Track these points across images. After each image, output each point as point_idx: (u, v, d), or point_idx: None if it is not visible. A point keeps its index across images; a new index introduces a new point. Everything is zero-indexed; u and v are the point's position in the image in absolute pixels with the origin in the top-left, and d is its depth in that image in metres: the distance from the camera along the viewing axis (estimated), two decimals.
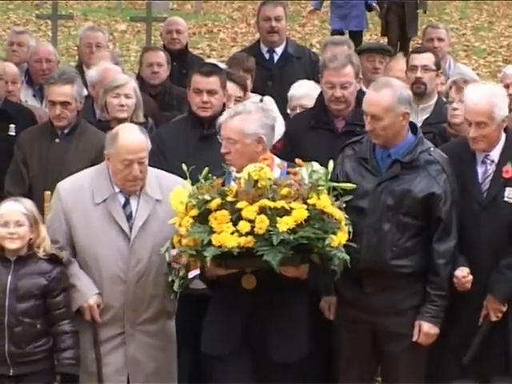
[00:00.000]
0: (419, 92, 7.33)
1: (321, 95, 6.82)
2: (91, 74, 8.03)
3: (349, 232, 4.54)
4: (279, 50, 9.38)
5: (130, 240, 4.95)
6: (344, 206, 4.63)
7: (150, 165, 6.12)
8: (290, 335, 4.79)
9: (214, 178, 4.63)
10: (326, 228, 4.38)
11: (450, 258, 4.94)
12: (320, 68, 7.10)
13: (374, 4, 16.01)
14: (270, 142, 4.96)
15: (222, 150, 4.86)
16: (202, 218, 4.42)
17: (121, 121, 6.99)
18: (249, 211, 4.33)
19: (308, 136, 6.74)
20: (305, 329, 4.91)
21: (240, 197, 4.42)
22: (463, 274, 4.84)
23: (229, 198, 4.44)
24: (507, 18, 22.01)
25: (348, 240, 4.52)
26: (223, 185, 4.62)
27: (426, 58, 7.55)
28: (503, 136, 5.01)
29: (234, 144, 4.81)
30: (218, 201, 4.40)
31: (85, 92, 7.41)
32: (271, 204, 4.33)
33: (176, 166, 5.98)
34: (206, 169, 4.65)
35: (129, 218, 5.01)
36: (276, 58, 9.40)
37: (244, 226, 4.28)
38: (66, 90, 6.90)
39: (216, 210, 4.41)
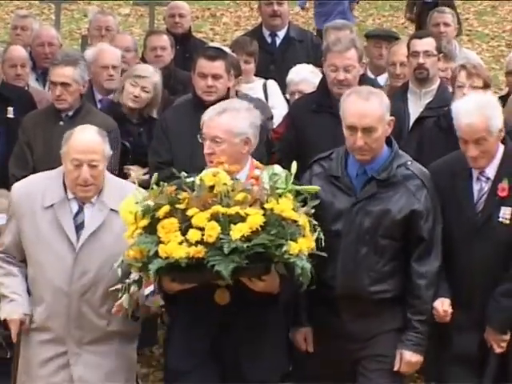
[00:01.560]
0: (422, 77, 7.28)
1: (323, 79, 6.87)
2: (87, 53, 8.02)
3: (319, 239, 4.27)
4: (281, 34, 9.42)
5: (76, 250, 4.68)
6: (313, 211, 4.35)
7: (155, 148, 6.84)
8: (265, 352, 4.55)
9: (165, 184, 4.34)
10: (285, 234, 4.08)
11: (433, 279, 4.68)
12: (323, 51, 7.14)
13: None
14: (254, 144, 4.69)
15: (206, 151, 4.55)
16: (152, 228, 4.17)
17: (130, 109, 7.29)
18: (199, 218, 4.05)
19: (310, 119, 6.77)
20: (281, 344, 4.72)
21: (191, 203, 4.16)
22: (444, 307, 4.66)
23: (179, 206, 4.19)
24: (511, 2, 21.95)
25: (318, 248, 4.25)
26: (176, 192, 4.33)
27: (428, 44, 7.44)
28: (501, 149, 4.80)
29: (221, 144, 4.52)
30: (166, 208, 4.14)
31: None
32: (224, 210, 4.07)
33: (180, 149, 6.62)
34: (156, 174, 4.45)
35: (79, 227, 4.73)
36: (278, 41, 9.43)
37: (194, 235, 4.01)
38: (67, 72, 6.88)
39: (164, 218, 4.17)
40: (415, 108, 7.24)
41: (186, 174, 4.36)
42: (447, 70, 7.63)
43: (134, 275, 4.33)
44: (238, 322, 4.37)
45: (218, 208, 4.01)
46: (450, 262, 4.76)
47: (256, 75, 8.17)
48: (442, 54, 7.57)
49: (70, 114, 6.91)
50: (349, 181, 4.64)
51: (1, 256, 4.94)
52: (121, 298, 4.55)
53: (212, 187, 4.17)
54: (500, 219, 4.65)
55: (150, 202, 4.20)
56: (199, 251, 3.96)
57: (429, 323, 4.68)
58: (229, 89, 6.76)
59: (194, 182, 4.29)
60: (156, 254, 4.05)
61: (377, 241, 4.57)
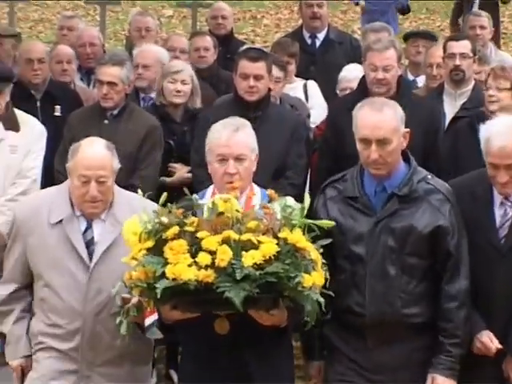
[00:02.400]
0: (458, 79, 7.41)
1: (363, 79, 6.92)
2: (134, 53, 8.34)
3: (326, 279, 4.05)
4: (321, 36, 9.50)
5: (90, 268, 4.54)
6: (321, 251, 4.13)
7: (196, 146, 6.71)
8: (275, 369, 4.35)
9: (173, 206, 4.16)
10: (299, 265, 3.87)
11: (464, 299, 4.45)
12: (363, 51, 7.21)
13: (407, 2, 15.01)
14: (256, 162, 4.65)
15: (231, 171, 4.29)
16: (157, 249, 3.97)
17: (177, 106, 7.41)
18: (210, 242, 3.83)
19: (348, 118, 6.71)
20: (291, 374, 4.59)
21: (201, 227, 3.96)
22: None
23: (188, 228, 4.00)
24: None
25: (324, 287, 4.05)
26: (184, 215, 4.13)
27: (464, 46, 7.55)
28: None
29: (244, 161, 4.33)
30: (175, 229, 3.94)
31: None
32: (237, 236, 3.86)
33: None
34: (165, 194, 4.18)
35: (89, 244, 4.57)
36: (318, 43, 9.50)
37: (204, 258, 3.79)
38: (114, 71, 7.01)
39: (173, 239, 3.95)
40: (450, 108, 7.34)
41: (197, 197, 4.24)
42: (481, 72, 7.65)
43: (134, 300, 4.12)
44: (248, 355, 4.21)
45: (230, 233, 3.83)
46: (474, 292, 4.52)
47: (297, 76, 8.27)
48: (476, 57, 7.70)
49: (115, 112, 7.05)
50: (367, 200, 4.43)
51: (4, 296, 4.77)
52: (119, 324, 4.34)
53: (222, 213, 4.03)
54: None
55: (164, 219, 4.03)
56: (209, 275, 3.76)
57: (462, 347, 4.45)
58: (269, 89, 6.89)
59: (204, 205, 4.17)
60: (163, 275, 3.89)
61: (404, 260, 4.38)
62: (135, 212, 4.36)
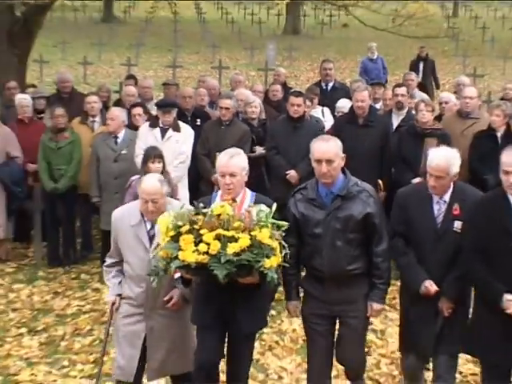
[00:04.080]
0: (399, 107, 10.03)
1: (351, 107, 9.54)
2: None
3: (285, 254, 4.86)
4: (330, 84, 12.42)
5: (149, 252, 5.37)
6: (285, 236, 4.97)
7: (269, 142, 9.05)
8: (254, 314, 5.32)
9: (192, 209, 4.99)
10: (262, 254, 4.67)
11: (385, 255, 5.36)
12: (352, 93, 9.89)
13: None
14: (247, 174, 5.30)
15: (227, 182, 5.14)
16: (176, 238, 4.74)
17: (253, 119, 9.68)
18: (208, 236, 4.65)
19: (344, 128, 9.27)
20: (264, 309, 5.63)
21: (203, 226, 4.74)
22: (434, 287, 5.30)
23: (196, 226, 4.74)
24: None
25: (285, 261, 4.92)
26: (197, 214, 4.88)
27: (403, 90, 10.18)
28: (452, 184, 5.29)
29: (235, 177, 5.13)
30: (186, 227, 4.74)
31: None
32: (225, 233, 4.64)
33: (280, 145, 9.17)
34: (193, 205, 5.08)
35: (152, 238, 5.43)
36: (329, 88, 12.33)
37: (202, 247, 4.62)
38: (228, 102, 9.27)
39: (185, 233, 4.73)
40: (395, 122, 9.91)
41: (202, 205, 4.95)
42: (411, 103, 10.15)
43: (162, 266, 4.91)
44: (234, 297, 5.08)
45: (220, 231, 4.66)
46: (421, 258, 5.37)
47: (318, 105, 10.69)
48: (409, 95, 10.34)
49: (227, 123, 9.25)
50: (321, 199, 5.28)
51: (109, 263, 5.84)
52: (152, 280, 5.16)
53: (219, 215, 4.77)
54: (455, 229, 5.27)
55: (180, 222, 4.85)
56: (204, 259, 4.64)
57: (386, 285, 5.46)
58: (305, 111, 9.23)
59: (207, 211, 4.88)
60: (176, 257, 4.73)
61: (346, 236, 5.25)
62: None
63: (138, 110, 9.76)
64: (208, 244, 4.64)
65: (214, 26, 42.11)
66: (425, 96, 10.87)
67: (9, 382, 6.66)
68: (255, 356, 6.69)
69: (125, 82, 12.59)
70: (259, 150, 9.72)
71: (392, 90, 10.45)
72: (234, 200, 5.10)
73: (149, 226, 5.46)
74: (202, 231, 4.69)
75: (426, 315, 5.36)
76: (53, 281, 9.21)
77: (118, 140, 9.30)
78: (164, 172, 7.67)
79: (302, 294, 5.79)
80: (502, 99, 11.26)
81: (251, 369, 6.29)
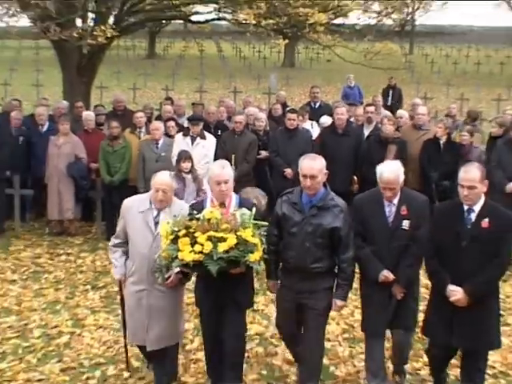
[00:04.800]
0: (369, 121, 9.97)
1: (333, 122, 9.50)
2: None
3: (263, 249, 4.58)
4: (317, 104, 12.41)
5: (154, 234, 5.01)
6: (270, 230, 4.82)
7: (270, 149, 9.05)
8: (243, 298, 5.08)
9: (186, 216, 4.67)
10: (247, 250, 4.40)
11: (350, 262, 4.94)
12: (333, 110, 9.75)
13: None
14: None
15: (223, 189, 4.83)
16: (175, 241, 4.46)
17: (260, 130, 9.59)
18: (201, 238, 4.37)
19: (327, 137, 9.41)
20: (250, 289, 5.20)
21: (197, 229, 4.45)
22: (390, 276, 4.95)
23: (191, 230, 4.44)
24: None
25: (266, 253, 4.70)
26: (191, 218, 4.59)
27: (372, 108, 10.23)
28: (399, 191, 4.94)
29: (227, 183, 4.84)
30: (183, 231, 4.44)
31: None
32: (215, 234, 4.36)
33: (279, 149, 9.21)
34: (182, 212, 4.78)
35: (157, 223, 5.03)
36: (316, 106, 12.31)
37: (197, 248, 4.34)
38: (241, 117, 9.44)
39: (182, 237, 4.43)
40: (366, 132, 9.84)
41: (196, 212, 4.67)
42: (377, 118, 10.08)
43: (165, 265, 4.68)
44: (227, 284, 4.75)
45: (211, 233, 4.38)
46: (376, 251, 4.97)
47: (308, 119, 10.62)
48: (376, 111, 10.37)
49: (240, 133, 9.28)
50: (302, 205, 4.90)
51: (115, 243, 5.36)
52: (157, 277, 4.92)
53: (209, 219, 4.49)
54: (403, 227, 4.91)
55: (175, 228, 4.56)
56: (200, 257, 4.37)
57: (349, 286, 5.06)
58: (298, 124, 9.40)
59: (200, 217, 4.59)
60: (176, 257, 4.44)
61: (315, 239, 4.85)
62: (182, 211, 4.99)
63: (172, 123, 9.79)
64: (202, 244, 4.39)
65: (231, 60, 42.59)
66: (388, 113, 10.83)
67: (78, 325, 6.83)
68: (260, 307, 6.92)
69: (164, 102, 12.50)
70: (264, 153, 9.70)
71: (363, 109, 10.48)
72: (222, 203, 4.85)
73: (155, 213, 5.11)
74: (196, 234, 4.43)
75: (381, 299, 5.02)
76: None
77: (159, 145, 9.29)
78: (192, 169, 7.99)
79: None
80: (446, 116, 11.38)
81: (257, 316, 6.56)
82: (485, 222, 4.51)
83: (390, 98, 14.44)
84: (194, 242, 4.39)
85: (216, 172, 4.84)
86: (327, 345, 6.06)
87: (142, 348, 5.42)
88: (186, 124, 9.96)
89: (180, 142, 9.17)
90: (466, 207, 4.61)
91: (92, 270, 8.50)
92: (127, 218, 5.15)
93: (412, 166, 8.55)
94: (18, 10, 11.85)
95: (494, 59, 43.95)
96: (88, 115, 10.40)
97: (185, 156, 7.99)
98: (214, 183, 4.86)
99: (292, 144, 9.17)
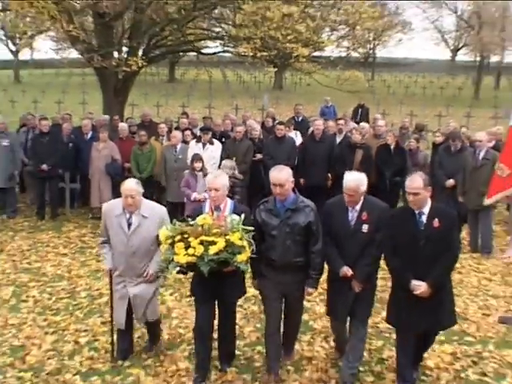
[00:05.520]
0: (340, 131, 9.98)
1: (312, 132, 9.56)
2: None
3: (252, 250, 4.16)
4: (300, 118, 12.05)
5: (128, 234, 4.62)
6: (253, 235, 4.24)
7: (264, 153, 8.88)
8: (234, 289, 4.67)
9: (181, 224, 4.20)
10: (235, 252, 4.02)
11: (320, 253, 4.53)
12: (311, 124, 9.96)
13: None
14: (228, 189, 4.57)
15: (212, 195, 4.44)
16: (172, 245, 4.10)
17: (255, 138, 9.34)
18: (194, 242, 3.99)
19: (308, 142, 9.43)
20: (241, 283, 4.72)
21: (191, 234, 4.06)
22: (350, 272, 4.55)
23: (185, 235, 4.05)
24: None
25: (254, 253, 4.23)
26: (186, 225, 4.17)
27: (342, 121, 10.17)
28: (362, 198, 4.56)
29: (218, 191, 4.43)
30: (178, 237, 4.07)
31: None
32: (206, 238, 3.99)
33: (271, 153, 9.02)
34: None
35: (130, 224, 4.62)
36: (300, 119, 11.98)
37: (191, 251, 3.97)
38: (240, 128, 9.29)
39: (178, 242, 4.08)
40: (338, 140, 9.86)
41: (190, 219, 4.23)
42: (347, 129, 10.10)
43: (164, 266, 4.27)
44: (221, 279, 4.35)
45: (203, 237, 4.00)
46: (340, 250, 4.59)
47: (293, 130, 10.45)
48: (345, 124, 10.27)
49: (240, 140, 9.06)
50: (277, 210, 4.49)
51: (102, 240, 4.91)
52: (159, 277, 4.80)
53: (202, 225, 4.09)
54: (363, 230, 4.50)
55: (171, 233, 4.14)
56: (193, 259, 4.00)
57: (319, 275, 4.62)
58: (285, 133, 9.33)
59: (193, 222, 4.17)
60: (172, 260, 4.08)
61: (294, 237, 4.46)
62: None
63: (187, 132, 9.59)
64: (194, 248, 4.03)
65: (233, 84, 42.51)
66: (355, 125, 10.77)
67: None
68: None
69: (181, 116, 12.21)
70: (259, 156, 9.51)
71: (335, 122, 10.53)
72: (218, 207, 4.45)
73: (128, 216, 4.65)
74: (189, 239, 4.05)
75: (342, 291, 4.63)
76: None
77: (177, 149, 9.14)
78: (203, 168, 7.82)
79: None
80: (401, 128, 11.10)
81: (253, 305, 6.10)
82: (435, 222, 4.25)
83: (359, 115, 14.16)
84: (187, 246, 4.03)
85: (210, 180, 4.50)
86: (307, 304, 5.88)
87: (122, 331, 5.02)
88: (198, 133, 9.79)
89: (193, 147, 9.07)
90: (416, 211, 4.32)
91: None
92: (106, 220, 4.74)
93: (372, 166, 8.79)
94: (69, 45, 12.35)
95: (436, 84, 44.06)
96: (122, 126, 10.31)
97: (197, 158, 7.92)
98: (207, 189, 4.56)
99: (280, 149, 9.12)
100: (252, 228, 4.18)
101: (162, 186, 9.29)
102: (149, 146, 9.45)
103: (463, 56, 43.69)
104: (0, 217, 9.70)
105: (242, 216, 4.18)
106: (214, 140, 9.28)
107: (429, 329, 4.52)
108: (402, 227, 4.30)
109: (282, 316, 4.76)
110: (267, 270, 4.59)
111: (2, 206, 9.80)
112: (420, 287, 4.25)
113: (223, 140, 9.70)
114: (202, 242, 3.96)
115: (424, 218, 4.30)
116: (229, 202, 4.49)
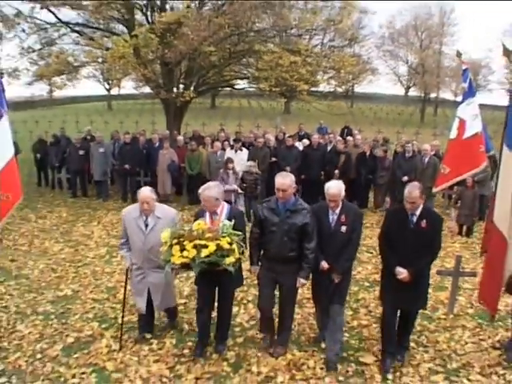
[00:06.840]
0: (330, 142, 9.37)
1: (311, 141, 9.17)
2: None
3: (241, 252, 3.67)
4: (302, 133, 11.28)
5: (145, 233, 4.07)
6: (243, 237, 3.68)
7: (278, 157, 8.42)
8: (232, 282, 4.05)
9: (179, 230, 3.64)
10: (224, 255, 3.51)
11: (312, 249, 3.92)
12: (311, 136, 9.50)
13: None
14: (222, 198, 3.93)
15: (205, 204, 3.83)
16: (170, 247, 3.61)
17: (263, 147, 8.84)
18: (188, 245, 3.51)
19: (308, 150, 9.08)
20: (240, 276, 4.13)
21: (186, 238, 3.58)
22: (325, 265, 4.04)
23: (181, 239, 3.56)
24: None
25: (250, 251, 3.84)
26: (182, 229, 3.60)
27: (332, 136, 9.85)
28: (341, 203, 4.01)
29: (210, 201, 3.86)
30: (175, 240, 3.57)
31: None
32: (199, 242, 3.50)
33: (282, 157, 8.74)
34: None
35: (147, 225, 4.07)
36: (302, 134, 11.32)
37: (185, 253, 3.50)
38: (261, 140, 9.00)
39: (175, 245, 3.59)
40: (329, 148, 9.25)
41: (186, 226, 3.70)
42: (334, 141, 9.51)
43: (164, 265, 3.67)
44: (222, 275, 3.74)
45: (196, 241, 3.50)
46: (322, 247, 4.04)
47: (298, 141, 10.02)
48: (334, 138, 9.77)
49: (260, 148, 8.81)
50: (278, 210, 3.93)
51: (121, 242, 4.27)
52: (169, 271, 3.83)
53: (197, 230, 3.61)
54: (342, 231, 4.01)
55: (170, 239, 3.62)
56: (186, 261, 3.52)
57: (310, 268, 4.01)
58: (293, 143, 8.98)
59: (190, 227, 3.67)
60: (169, 260, 3.58)
61: (290, 235, 3.90)
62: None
63: (225, 143, 9.40)
64: (188, 251, 3.52)
65: (255, 109, 41.56)
66: (340, 138, 10.48)
67: None
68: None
69: (219, 131, 11.45)
70: (274, 159, 9.26)
71: (327, 136, 10.30)
72: (215, 212, 3.85)
73: (144, 218, 4.08)
74: (184, 242, 3.55)
75: (323, 281, 4.09)
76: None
77: (217, 154, 8.98)
78: (233, 168, 7.68)
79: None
80: (373, 140, 10.59)
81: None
82: (423, 223, 3.81)
83: (345, 133, 13.01)
84: (182, 249, 3.53)
85: (204, 193, 3.85)
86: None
87: (142, 316, 4.32)
88: (232, 143, 9.64)
89: (228, 153, 8.92)
90: (410, 212, 3.88)
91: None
92: (126, 222, 4.13)
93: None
94: (144, 83, 12.88)
95: (395, 111, 43.58)
96: (179, 138, 10.18)
97: (230, 160, 7.83)
98: (202, 200, 3.90)
99: (289, 154, 9.00)
100: (241, 233, 3.61)
101: (207, 180, 8.53)
102: (197, 152, 9.29)
103: (413, 92, 44.96)
104: (98, 200, 9.84)
105: (233, 221, 3.63)
106: (243, 148, 9.13)
107: (407, 308, 4.03)
108: (397, 224, 3.89)
109: (274, 302, 4.16)
110: (264, 259, 4.03)
111: (99, 193, 10.01)
112: (402, 273, 3.84)
113: (249, 148, 9.47)
114: (195, 246, 3.48)
115: (415, 219, 3.87)
116: (225, 207, 3.88)
